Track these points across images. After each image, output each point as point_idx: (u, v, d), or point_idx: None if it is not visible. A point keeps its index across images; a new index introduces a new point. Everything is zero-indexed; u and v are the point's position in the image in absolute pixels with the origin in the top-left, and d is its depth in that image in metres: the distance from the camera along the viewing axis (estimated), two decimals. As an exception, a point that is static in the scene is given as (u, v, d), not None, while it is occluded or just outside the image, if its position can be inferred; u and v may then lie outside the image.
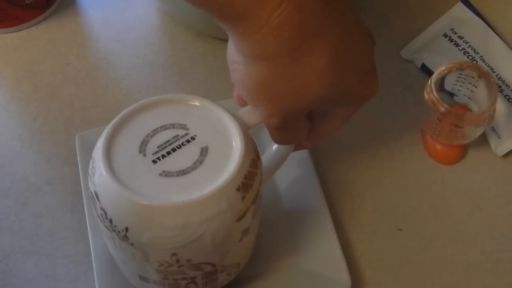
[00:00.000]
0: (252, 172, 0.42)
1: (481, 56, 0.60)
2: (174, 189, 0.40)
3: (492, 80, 0.53)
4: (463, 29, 0.62)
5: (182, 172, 0.41)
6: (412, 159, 0.57)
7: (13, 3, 0.62)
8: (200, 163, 0.41)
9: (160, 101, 0.44)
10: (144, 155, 0.42)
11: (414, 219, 0.54)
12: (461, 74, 0.55)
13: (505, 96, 0.58)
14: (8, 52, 0.63)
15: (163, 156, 0.42)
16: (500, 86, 0.58)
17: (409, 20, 0.65)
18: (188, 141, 0.42)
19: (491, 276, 0.51)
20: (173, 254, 0.41)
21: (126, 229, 0.40)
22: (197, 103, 0.44)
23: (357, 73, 0.42)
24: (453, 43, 0.61)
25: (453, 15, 0.63)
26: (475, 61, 0.60)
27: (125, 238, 0.41)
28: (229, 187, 0.40)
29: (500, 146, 0.56)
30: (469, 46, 0.61)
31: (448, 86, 0.56)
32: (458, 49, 0.61)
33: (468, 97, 0.56)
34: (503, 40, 0.61)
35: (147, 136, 0.42)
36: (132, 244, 0.41)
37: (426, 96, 0.53)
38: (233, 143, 0.42)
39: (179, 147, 0.42)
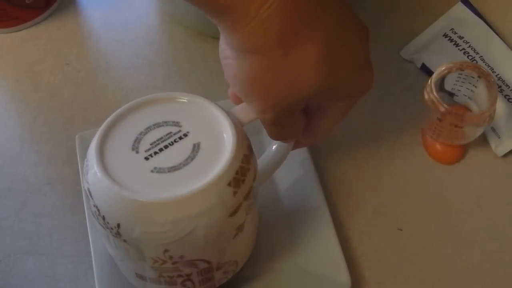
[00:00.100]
0: (244, 168, 0.42)
1: (481, 56, 0.60)
2: (165, 185, 0.40)
3: (492, 80, 0.53)
4: (463, 29, 0.62)
5: (174, 168, 0.41)
6: (412, 159, 0.57)
7: (13, 3, 0.62)
8: (192, 159, 0.41)
9: (153, 100, 0.44)
10: (137, 152, 0.42)
11: (414, 219, 0.54)
12: (461, 74, 0.55)
13: (505, 96, 0.58)
14: (8, 52, 0.63)
15: (156, 153, 0.42)
16: (500, 86, 0.58)
17: (409, 20, 0.64)
18: (180, 138, 0.42)
19: (491, 276, 0.51)
20: (166, 250, 0.41)
21: (118, 225, 0.41)
22: (185, 100, 0.44)
23: (351, 66, 0.41)
24: (453, 43, 0.61)
25: (453, 15, 0.63)
26: (475, 61, 0.60)
27: (118, 234, 0.41)
28: (220, 182, 0.40)
29: (500, 146, 0.56)
30: (469, 46, 0.61)
31: (448, 86, 0.55)
32: (458, 49, 0.61)
33: (468, 97, 0.56)
34: (503, 40, 0.61)
35: (140, 134, 0.43)
36: (125, 241, 0.41)
37: (426, 96, 0.53)
38: (225, 139, 0.42)
39: (172, 144, 0.42)
